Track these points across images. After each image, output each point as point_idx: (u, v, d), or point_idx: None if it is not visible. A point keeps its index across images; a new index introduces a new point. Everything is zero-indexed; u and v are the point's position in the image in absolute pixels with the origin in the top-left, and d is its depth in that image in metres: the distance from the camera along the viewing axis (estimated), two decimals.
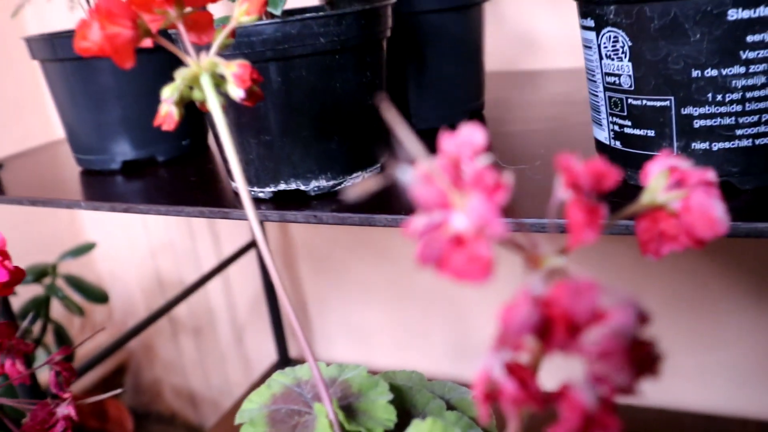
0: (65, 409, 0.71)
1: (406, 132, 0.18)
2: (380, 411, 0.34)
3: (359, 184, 0.19)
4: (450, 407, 0.40)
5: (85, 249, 0.96)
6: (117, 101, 0.60)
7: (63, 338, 0.91)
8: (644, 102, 0.39)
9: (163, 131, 0.33)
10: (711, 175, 0.22)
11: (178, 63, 0.33)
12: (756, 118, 0.37)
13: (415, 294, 1.02)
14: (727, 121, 0.37)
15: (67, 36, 0.58)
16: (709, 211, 0.22)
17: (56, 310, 1.00)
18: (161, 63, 0.60)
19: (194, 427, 1.28)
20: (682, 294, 0.84)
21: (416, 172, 0.19)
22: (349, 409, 0.35)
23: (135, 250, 1.22)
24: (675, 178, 0.23)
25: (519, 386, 0.18)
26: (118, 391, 0.50)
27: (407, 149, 0.18)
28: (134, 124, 0.61)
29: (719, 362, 0.85)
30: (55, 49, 0.59)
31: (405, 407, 0.39)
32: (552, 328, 0.18)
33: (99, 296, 0.95)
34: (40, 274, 0.92)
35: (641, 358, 0.18)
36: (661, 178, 0.23)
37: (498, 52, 0.83)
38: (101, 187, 0.60)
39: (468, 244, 0.18)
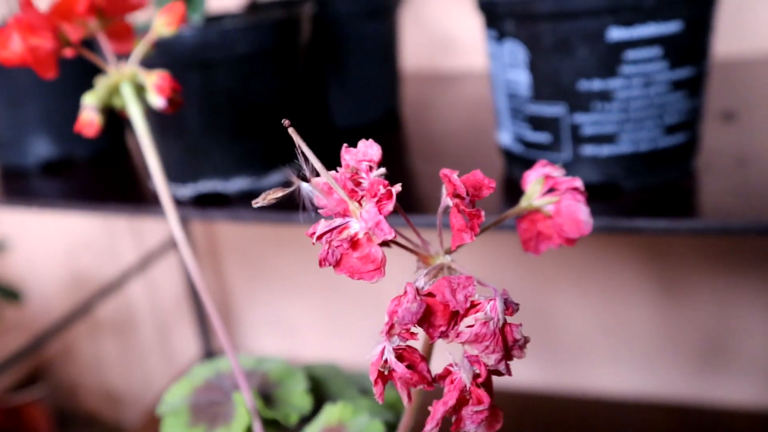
0: None
1: (308, 149, 0.21)
2: (297, 399, 0.37)
3: (264, 195, 0.21)
4: (367, 395, 0.43)
5: None
6: (35, 99, 0.60)
7: None
8: (541, 109, 0.43)
9: None
10: (578, 182, 0.26)
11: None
12: (637, 125, 0.41)
13: (340, 287, 1.05)
14: (612, 128, 0.41)
15: None
16: (576, 214, 0.25)
17: None
18: (81, 62, 0.61)
19: (116, 426, 1.27)
20: (592, 283, 0.89)
21: (317, 184, 0.21)
22: (267, 397, 0.37)
23: (50, 248, 1.20)
24: (549, 184, 0.26)
25: (408, 368, 0.21)
26: (36, 392, 0.50)
27: (308, 162, 0.21)
28: (52, 122, 0.61)
29: (628, 346, 0.91)
30: None
31: (321, 396, 0.41)
32: (433, 317, 0.20)
33: (12, 295, 0.93)
34: None
35: (509, 342, 0.21)
36: (537, 184, 0.26)
37: (418, 53, 0.86)
38: (18, 185, 0.60)
39: (361, 246, 0.20)
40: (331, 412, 0.34)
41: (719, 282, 0.83)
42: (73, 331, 1.24)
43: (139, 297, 1.19)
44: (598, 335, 0.92)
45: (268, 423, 0.35)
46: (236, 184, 0.49)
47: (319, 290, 1.07)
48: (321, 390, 0.42)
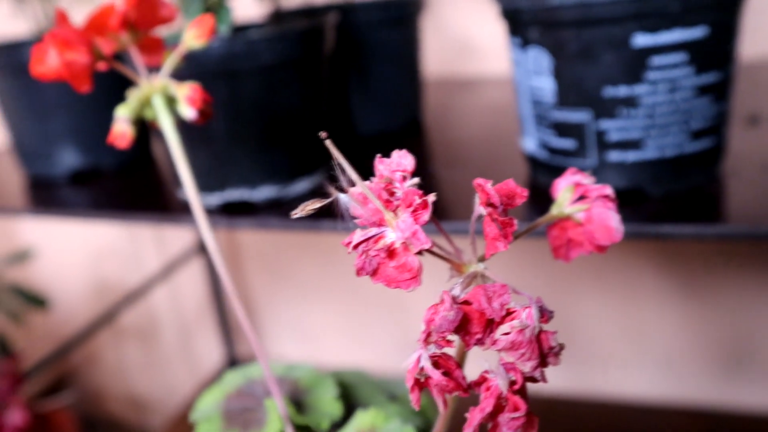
0: (14, 418, 0.71)
1: (345, 161, 0.21)
2: (327, 405, 0.37)
3: (303, 206, 0.22)
4: (396, 401, 0.43)
5: (24, 256, 0.95)
6: (63, 112, 0.61)
7: (3, 346, 0.91)
8: (566, 116, 0.43)
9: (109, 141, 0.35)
10: (609, 189, 0.26)
11: (123, 73, 0.35)
12: (663, 131, 0.41)
13: (362, 293, 1.05)
14: (638, 134, 0.41)
15: (13, 47, 0.59)
16: (607, 221, 0.25)
17: None
18: (107, 76, 0.62)
19: None
20: (615, 288, 0.89)
21: (353, 194, 0.22)
22: (298, 404, 0.37)
23: (75, 256, 1.22)
24: (579, 192, 0.26)
25: (444, 375, 0.22)
26: (63, 398, 0.51)
27: (345, 173, 0.21)
28: (80, 133, 0.62)
29: (652, 351, 0.91)
30: (1, 59, 0.59)
31: (351, 402, 0.42)
32: (469, 325, 0.21)
33: (39, 302, 0.94)
34: None
35: (544, 349, 0.21)
36: (567, 192, 0.26)
37: (440, 59, 0.87)
38: (48, 195, 0.61)
39: (398, 256, 0.21)
40: (362, 418, 0.34)
41: (743, 286, 0.82)
42: (98, 338, 1.25)
43: (163, 304, 1.21)
44: (621, 340, 0.91)
45: (299, 429, 0.36)
46: (263, 193, 0.50)
47: (340, 296, 1.07)
48: (350, 396, 0.42)
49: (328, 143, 0.21)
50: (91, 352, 1.28)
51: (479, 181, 0.22)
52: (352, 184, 0.22)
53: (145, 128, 0.67)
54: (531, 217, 0.43)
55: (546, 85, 0.43)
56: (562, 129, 0.43)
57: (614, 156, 0.42)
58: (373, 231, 0.22)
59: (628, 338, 0.91)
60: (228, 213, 0.50)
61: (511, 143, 0.56)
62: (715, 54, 0.40)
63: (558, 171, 0.45)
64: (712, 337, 0.87)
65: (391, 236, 0.21)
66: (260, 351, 0.35)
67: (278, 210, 0.49)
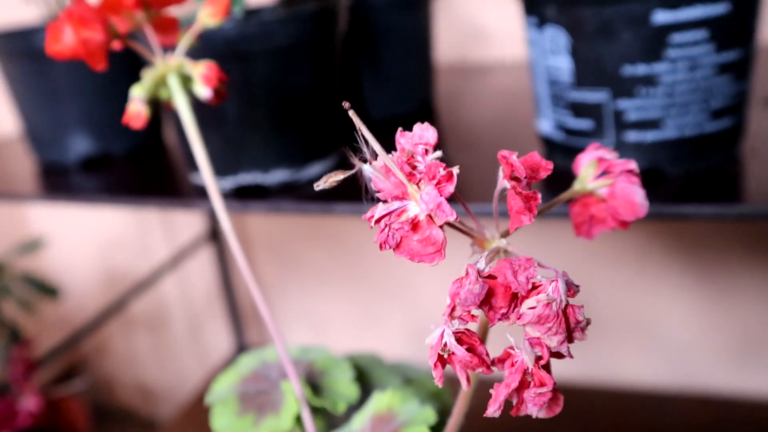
0: (27, 403, 0.72)
1: (368, 131, 0.21)
2: (344, 387, 0.37)
3: (326, 178, 0.21)
4: (411, 384, 0.43)
5: (35, 245, 0.95)
6: (73, 97, 0.61)
7: (15, 334, 0.91)
8: (583, 95, 0.43)
9: (120, 126, 0.35)
10: (633, 164, 0.26)
11: (134, 59, 0.34)
12: (683, 110, 0.40)
13: (371, 280, 1.05)
14: (657, 113, 0.41)
15: (25, 33, 0.59)
16: (631, 196, 0.25)
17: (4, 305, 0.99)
18: (118, 58, 0.61)
19: (150, 421, 1.29)
20: (627, 273, 0.88)
21: (376, 166, 0.21)
22: (314, 386, 0.37)
23: (85, 246, 1.22)
24: (602, 167, 0.26)
25: (468, 351, 0.21)
26: (74, 386, 0.51)
27: (368, 145, 0.21)
28: (91, 119, 0.62)
29: (664, 337, 0.90)
30: (14, 45, 0.59)
31: (366, 385, 0.42)
32: (494, 299, 0.20)
33: (51, 291, 0.94)
34: None
35: (571, 323, 0.21)
36: (590, 167, 0.26)
37: (451, 44, 0.86)
38: (59, 181, 0.61)
39: (422, 229, 0.20)
40: (380, 400, 0.34)
41: (757, 273, 0.82)
42: (108, 326, 1.26)
43: (172, 293, 1.21)
44: (633, 326, 0.91)
45: (315, 411, 0.35)
46: (276, 176, 0.50)
47: (350, 283, 1.07)
48: (364, 379, 0.42)
49: (352, 114, 0.21)
50: (101, 340, 1.29)
51: (504, 152, 0.21)
52: (375, 157, 0.22)
53: (157, 114, 0.67)
54: (547, 199, 0.42)
55: (563, 65, 0.43)
56: (579, 109, 0.43)
57: (632, 136, 0.42)
58: (396, 204, 0.21)
59: (639, 324, 0.90)
60: (240, 197, 0.50)
61: (525, 126, 0.56)
62: (737, 31, 0.39)
63: (575, 152, 0.44)
64: (723, 324, 0.86)
65: (414, 209, 0.21)
66: (276, 333, 0.35)
67: (291, 194, 0.49)
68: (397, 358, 0.47)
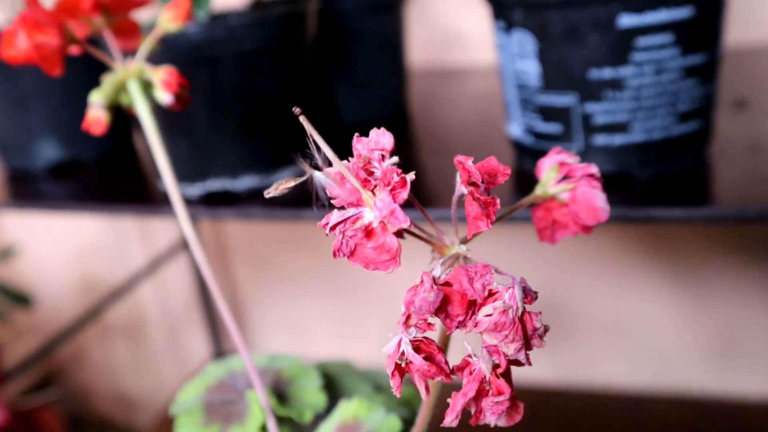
0: None
1: (320, 138, 0.20)
2: (311, 396, 0.36)
3: (276, 185, 0.21)
4: (381, 391, 0.43)
5: (7, 253, 0.94)
6: (41, 102, 0.60)
7: None
8: (551, 99, 0.42)
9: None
10: (594, 168, 0.25)
11: (103, 64, 0.34)
12: (650, 113, 0.40)
13: (350, 285, 1.04)
14: (624, 116, 0.41)
15: None
16: (592, 201, 0.25)
17: None
18: (86, 64, 0.60)
19: (128, 429, 1.27)
20: (604, 276, 0.88)
21: (330, 173, 0.21)
22: (281, 395, 0.37)
23: (59, 253, 1.20)
24: (564, 171, 0.26)
25: (426, 360, 0.21)
26: (48, 396, 0.50)
27: (320, 152, 0.21)
28: (59, 125, 0.61)
29: (642, 340, 0.90)
30: None
31: (335, 393, 0.41)
32: (450, 306, 0.20)
33: (23, 300, 0.93)
34: None
35: (528, 330, 0.20)
36: (551, 171, 0.26)
37: (424, 48, 0.86)
38: (27, 188, 0.60)
39: (376, 236, 0.20)
40: (346, 409, 0.34)
41: (733, 274, 0.82)
42: (84, 335, 1.24)
43: (149, 300, 1.19)
44: (611, 329, 0.91)
45: (282, 421, 0.35)
46: (245, 182, 0.49)
47: (328, 289, 1.06)
48: (334, 387, 0.41)
49: (303, 119, 0.20)
50: (77, 349, 1.27)
51: (460, 158, 0.21)
52: (329, 164, 0.21)
53: (127, 120, 0.66)
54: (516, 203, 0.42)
55: (530, 69, 0.43)
56: (548, 113, 0.43)
57: (600, 139, 0.42)
58: (351, 211, 0.21)
59: (617, 327, 0.90)
60: (210, 203, 0.49)
61: (497, 131, 0.56)
62: (702, 35, 0.39)
63: (544, 156, 0.45)
64: (701, 325, 0.87)
65: (369, 216, 0.21)
66: (241, 341, 0.34)
67: (261, 200, 0.48)
68: (376, 364, 0.46)
